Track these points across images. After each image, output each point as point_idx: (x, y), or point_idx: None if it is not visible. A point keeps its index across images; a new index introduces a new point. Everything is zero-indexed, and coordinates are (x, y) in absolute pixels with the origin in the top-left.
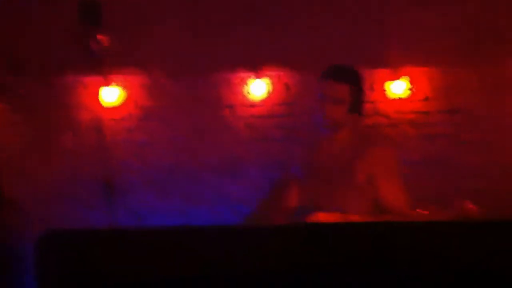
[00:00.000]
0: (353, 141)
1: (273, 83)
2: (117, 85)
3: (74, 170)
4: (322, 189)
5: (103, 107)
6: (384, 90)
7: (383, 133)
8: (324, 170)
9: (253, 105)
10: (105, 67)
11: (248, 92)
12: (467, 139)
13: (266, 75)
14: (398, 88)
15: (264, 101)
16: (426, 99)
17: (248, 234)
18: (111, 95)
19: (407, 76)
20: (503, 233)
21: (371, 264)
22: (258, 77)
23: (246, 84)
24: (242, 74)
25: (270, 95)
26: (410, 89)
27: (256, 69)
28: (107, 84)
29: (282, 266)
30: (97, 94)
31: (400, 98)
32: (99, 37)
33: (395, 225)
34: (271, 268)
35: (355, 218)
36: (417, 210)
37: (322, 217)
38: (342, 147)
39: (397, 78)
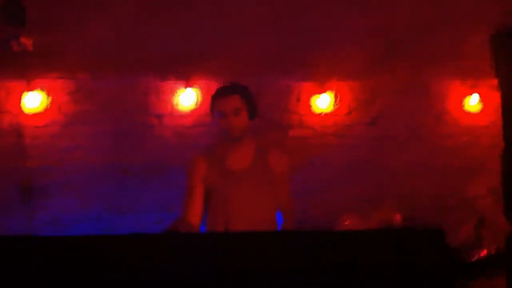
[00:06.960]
0: (258, 145)
1: (202, 93)
2: (41, 90)
3: None
4: (235, 194)
5: (24, 113)
6: (310, 106)
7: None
8: (236, 175)
9: (182, 115)
10: (28, 71)
11: (177, 104)
12: (386, 146)
13: (196, 85)
14: (323, 102)
15: (193, 112)
16: (350, 113)
17: (170, 242)
18: (34, 100)
19: (333, 90)
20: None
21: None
22: (187, 86)
23: (176, 93)
24: (172, 83)
25: (199, 105)
26: (335, 104)
27: (186, 78)
28: (30, 89)
29: (207, 274)
30: (20, 99)
31: (325, 113)
32: (22, 40)
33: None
34: (195, 276)
35: None
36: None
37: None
38: (249, 152)
39: (323, 91)
